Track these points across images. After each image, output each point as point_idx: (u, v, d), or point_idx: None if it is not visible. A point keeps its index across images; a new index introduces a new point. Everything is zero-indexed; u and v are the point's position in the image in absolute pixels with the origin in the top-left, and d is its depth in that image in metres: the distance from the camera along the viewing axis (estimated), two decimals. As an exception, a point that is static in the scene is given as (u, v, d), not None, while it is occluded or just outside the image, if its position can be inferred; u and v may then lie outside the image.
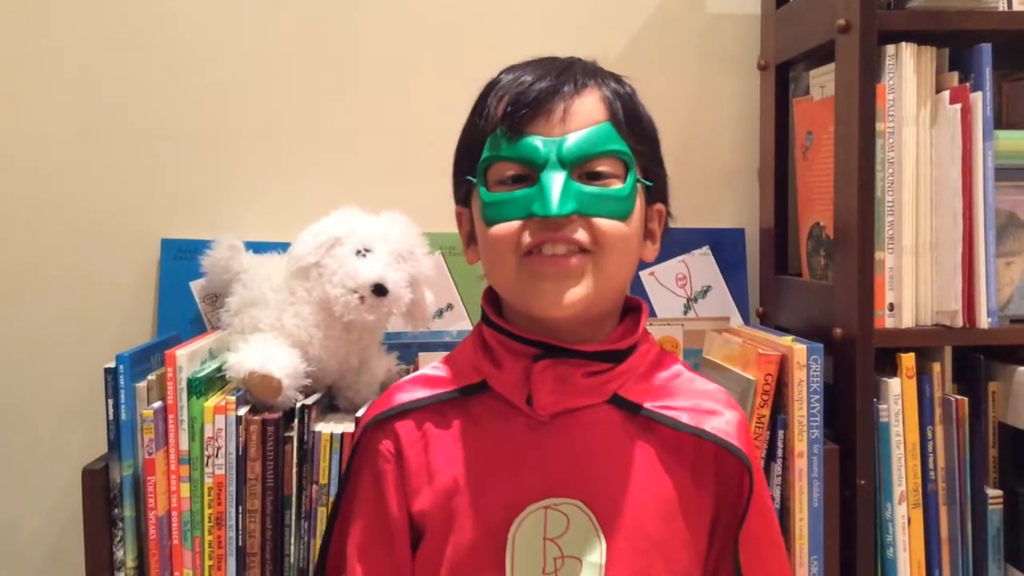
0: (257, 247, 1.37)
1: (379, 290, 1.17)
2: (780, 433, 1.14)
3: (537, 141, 0.85)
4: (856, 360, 1.16)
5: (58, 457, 1.44)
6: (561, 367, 0.88)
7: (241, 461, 1.13)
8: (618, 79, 0.93)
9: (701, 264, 1.49)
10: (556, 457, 0.88)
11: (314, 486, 1.14)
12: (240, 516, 1.14)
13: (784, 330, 1.28)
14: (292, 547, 1.14)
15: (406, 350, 1.36)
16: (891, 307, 1.20)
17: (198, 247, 1.38)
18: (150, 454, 1.12)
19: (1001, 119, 1.28)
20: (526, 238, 0.86)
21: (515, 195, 0.86)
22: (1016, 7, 1.22)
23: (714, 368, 1.25)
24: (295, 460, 1.14)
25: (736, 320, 1.46)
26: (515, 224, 0.86)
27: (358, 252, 1.20)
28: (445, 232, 1.31)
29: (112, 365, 1.14)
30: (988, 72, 1.17)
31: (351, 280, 1.17)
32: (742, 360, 1.20)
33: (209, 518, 1.14)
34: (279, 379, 1.13)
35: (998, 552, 1.20)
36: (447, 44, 1.47)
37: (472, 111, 0.93)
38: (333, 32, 1.47)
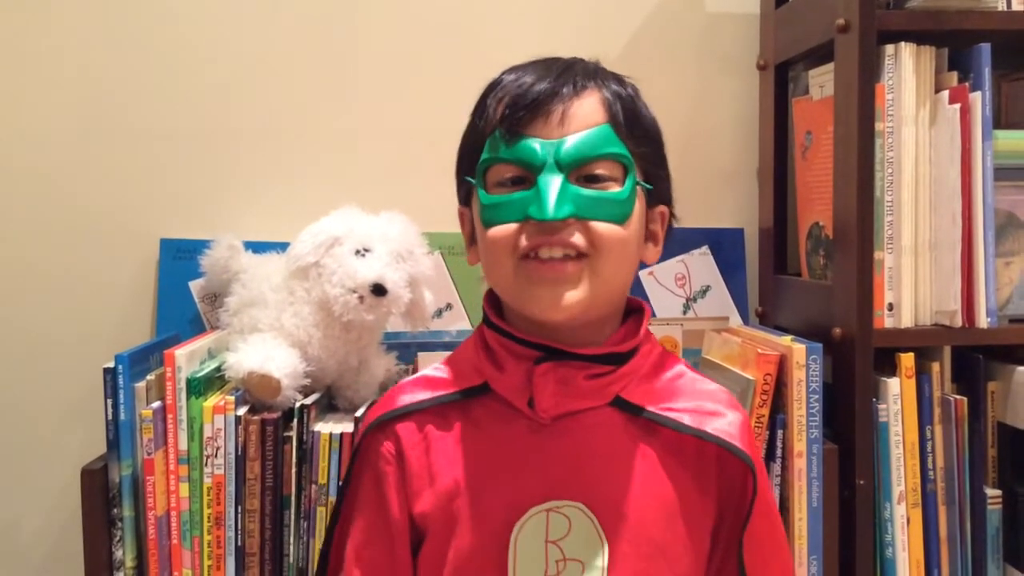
0: (256, 247, 1.37)
1: (378, 290, 1.17)
2: (779, 433, 1.14)
3: (535, 143, 0.85)
4: (855, 360, 1.16)
5: (57, 457, 1.43)
6: (563, 369, 0.88)
7: (240, 461, 1.14)
8: (620, 80, 0.92)
9: (700, 264, 1.48)
10: (558, 460, 0.88)
11: (313, 486, 1.14)
12: (239, 516, 1.14)
13: (783, 330, 1.28)
14: (291, 547, 1.14)
15: (405, 350, 1.36)
16: (890, 307, 1.20)
17: (197, 247, 1.38)
18: (149, 454, 1.12)
19: (1000, 119, 1.28)
20: (523, 241, 0.86)
21: (512, 198, 0.86)
22: (1015, 7, 1.22)
23: (713, 368, 1.25)
24: (294, 460, 1.14)
25: (735, 320, 1.46)
26: (512, 227, 0.86)
27: (357, 252, 1.20)
28: (444, 232, 1.31)
29: (111, 365, 1.14)
30: (987, 72, 1.17)
31: (350, 280, 1.17)
32: (741, 360, 1.20)
33: (208, 518, 1.14)
34: (278, 379, 1.13)
35: (997, 552, 1.20)
36: (447, 44, 1.47)
37: (473, 111, 0.92)
38: (332, 32, 1.47)
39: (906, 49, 1.19)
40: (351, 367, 1.26)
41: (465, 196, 0.94)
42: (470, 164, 0.91)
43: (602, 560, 0.86)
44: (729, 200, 1.52)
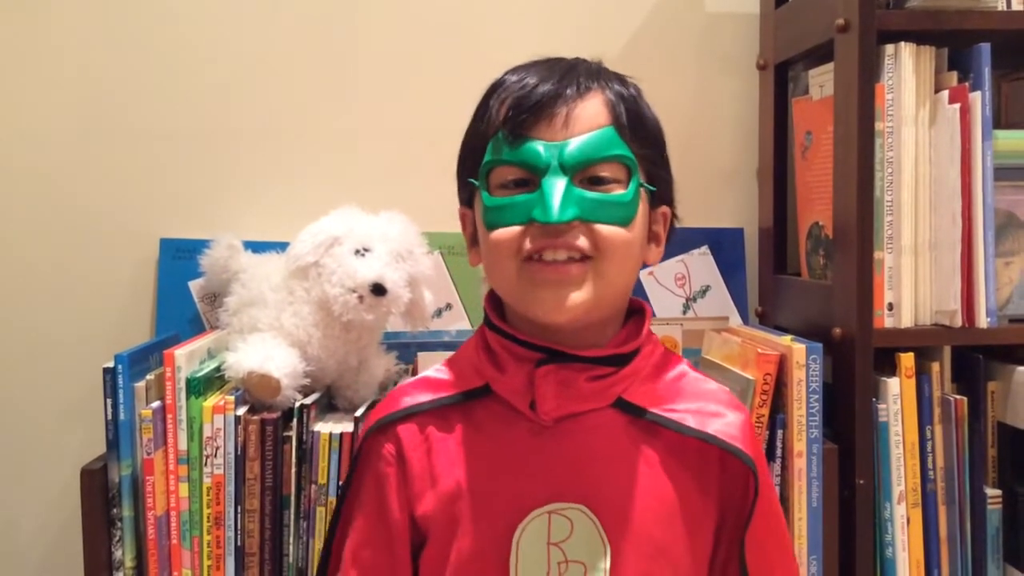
0: (256, 247, 1.37)
1: (378, 290, 1.17)
2: (779, 433, 1.14)
3: (539, 146, 0.85)
4: (855, 360, 1.16)
5: (57, 457, 1.43)
6: (564, 372, 0.88)
7: (240, 461, 1.13)
8: (623, 80, 0.92)
9: (700, 264, 1.48)
10: (560, 462, 0.88)
11: (313, 486, 1.13)
12: (239, 516, 1.14)
13: (783, 330, 1.28)
14: (291, 547, 1.14)
15: (405, 350, 1.36)
16: (890, 307, 1.20)
17: (197, 247, 1.38)
18: (149, 454, 1.12)
19: (1000, 119, 1.28)
20: (527, 244, 0.85)
21: (516, 200, 0.86)
22: (1015, 7, 1.22)
23: (713, 368, 1.25)
24: (294, 460, 1.14)
25: (735, 320, 1.46)
26: (516, 229, 0.86)
27: (357, 252, 1.20)
28: (444, 232, 1.31)
29: (111, 365, 1.14)
30: (987, 72, 1.17)
31: (350, 280, 1.17)
32: (741, 360, 1.20)
33: (208, 518, 1.14)
34: (278, 379, 1.13)
35: (997, 552, 1.20)
36: (447, 44, 1.47)
37: (475, 112, 0.92)
38: (332, 32, 1.47)
39: (906, 49, 1.19)
40: (351, 367, 1.26)
41: (467, 197, 0.94)
42: (472, 165, 0.90)
43: (604, 562, 0.86)
44: (729, 200, 1.52)
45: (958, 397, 1.19)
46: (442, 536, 0.89)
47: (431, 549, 0.90)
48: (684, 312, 1.47)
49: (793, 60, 1.42)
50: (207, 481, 1.13)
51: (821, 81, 1.31)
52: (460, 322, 1.45)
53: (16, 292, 1.45)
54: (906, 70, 1.19)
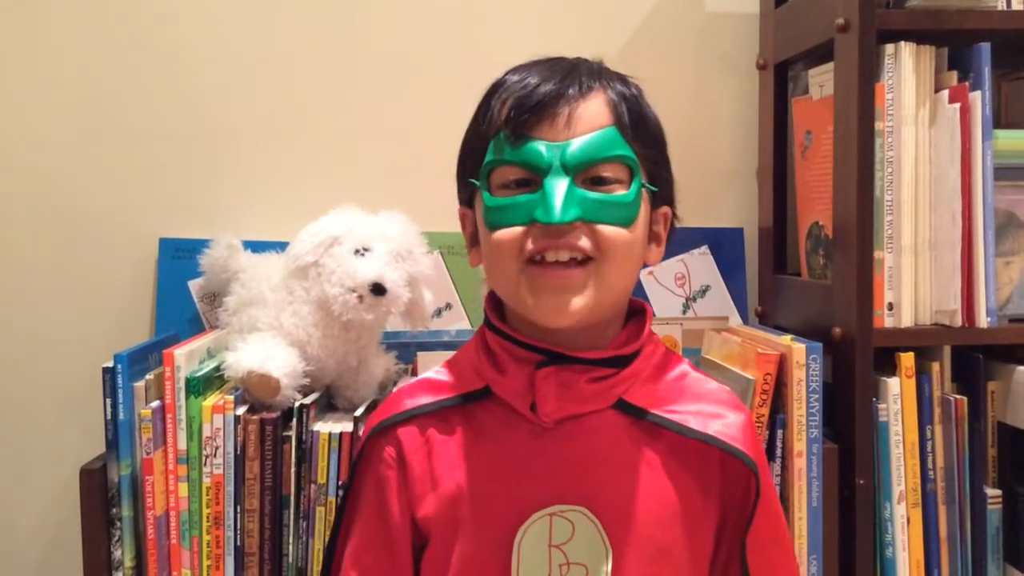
0: (255, 246, 1.36)
1: (378, 289, 1.17)
2: (779, 432, 1.14)
3: (541, 146, 0.84)
4: (855, 359, 1.16)
5: (56, 456, 1.43)
6: (565, 373, 0.87)
7: (239, 461, 1.13)
8: (624, 80, 0.91)
9: (700, 263, 1.48)
10: (561, 464, 0.88)
11: (312, 485, 1.13)
12: (238, 516, 1.14)
13: (783, 329, 1.28)
14: (290, 547, 1.14)
15: (405, 349, 1.36)
16: (890, 306, 1.20)
17: (196, 246, 1.38)
18: (148, 454, 1.12)
19: (1000, 118, 1.28)
20: (529, 244, 0.85)
21: (518, 200, 0.85)
22: (1015, 6, 1.22)
23: (713, 367, 1.25)
24: (293, 459, 1.14)
25: (735, 319, 1.46)
26: (518, 230, 0.85)
27: (356, 251, 1.19)
28: (444, 231, 1.31)
29: (110, 364, 1.14)
30: (987, 71, 1.17)
31: (350, 279, 1.17)
32: (741, 359, 1.20)
33: (207, 518, 1.13)
34: (277, 378, 1.13)
35: (997, 552, 1.20)
36: (447, 44, 1.47)
37: (476, 112, 0.92)
38: (332, 32, 1.47)
39: (906, 48, 1.19)
40: (350, 367, 1.26)
41: (467, 197, 0.94)
42: (473, 165, 0.90)
43: (606, 564, 0.86)
44: (729, 200, 1.52)
45: (958, 397, 1.19)
46: (443, 539, 0.89)
47: (432, 552, 0.90)
48: (684, 312, 1.47)
49: (793, 60, 1.42)
50: (206, 481, 1.13)
51: (821, 81, 1.31)
52: (460, 322, 1.45)
53: (15, 291, 1.45)
54: (906, 70, 1.19)
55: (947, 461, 1.19)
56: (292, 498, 1.14)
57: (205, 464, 1.13)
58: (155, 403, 1.13)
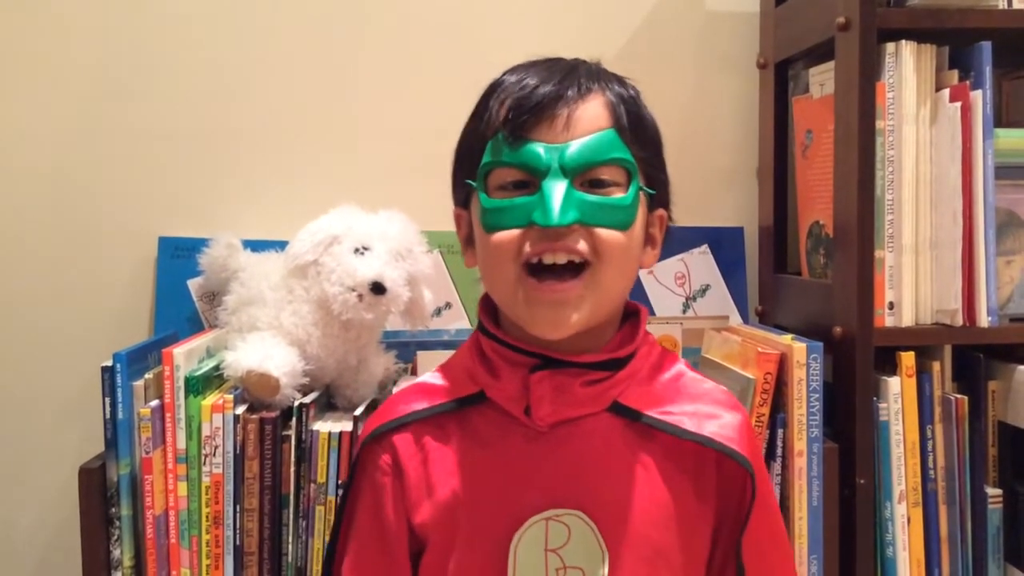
0: (255, 245, 1.36)
1: (377, 288, 1.17)
2: (779, 432, 1.13)
3: (539, 148, 0.84)
4: (856, 359, 1.15)
5: (55, 455, 1.43)
6: (559, 377, 0.87)
7: (239, 460, 1.13)
8: (622, 82, 0.91)
9: (700, 263, 1.48)
10: (556, 467, 0.87)
11: (312, 485, 1.13)
12: (238, 515, 1.14)
13: (783, 329, 1.28)
14: (290, 546, 1.14)
15: (404, 349, 1.36)
16: (891, 306, 1.20)
17: (196, 245, 1.38)
18: (147, 453, 1.12)
19: (1001, 117, 1.28)
20: (527, 247, 0.84)
21: (516, 203, 0.85)
22: (1016, 5, 1.22)
23: (713, 367, 1.24)
24: (293, 459, 1.13)
25: (735, 319, 1.46)
26: (515, 232, 0.85)
27: (356, 250, 1.19)
28: (444, 231, 1.30)
29: (109, 363, 1.14)
30: (988, 70, 1.17)
31: (349, 278, 1.17)
32: (741, 359, 1.20)
33: (207, 517, 1.13)
34: (277, 378, 1.13)
35: (998, 551, 1.20)
36: (446, 44, 1.47)
37: (473, 113, 0.91)
38: (332, 31, 1.47)
39: (907, 47, 1.19)
40: (350, 366, 1.26)
41: (463, 198, 0.93)
42: (470, 166, 0.89)
43: (602, 568, 0.85)
44: (729, 199, 1.52)
45: (959, 396, 1.19)
46: (440, 544, 0.89)
47: (429, 557, 0.90)
48: (684, 311, 1.47)
49: (793, 59, 1.42)
50: (206, 480, 1.13)
51: (821, 80, 1.31)
52: (459, 321, 1.45)
53: (15, 290, 1.45)
54: (907, 68, 1.19)
55: (948, 461, 1.19)
56: (291, 497, 1.14)
57: (204, 463, 1.13)
58: (154, 402, 1.13)
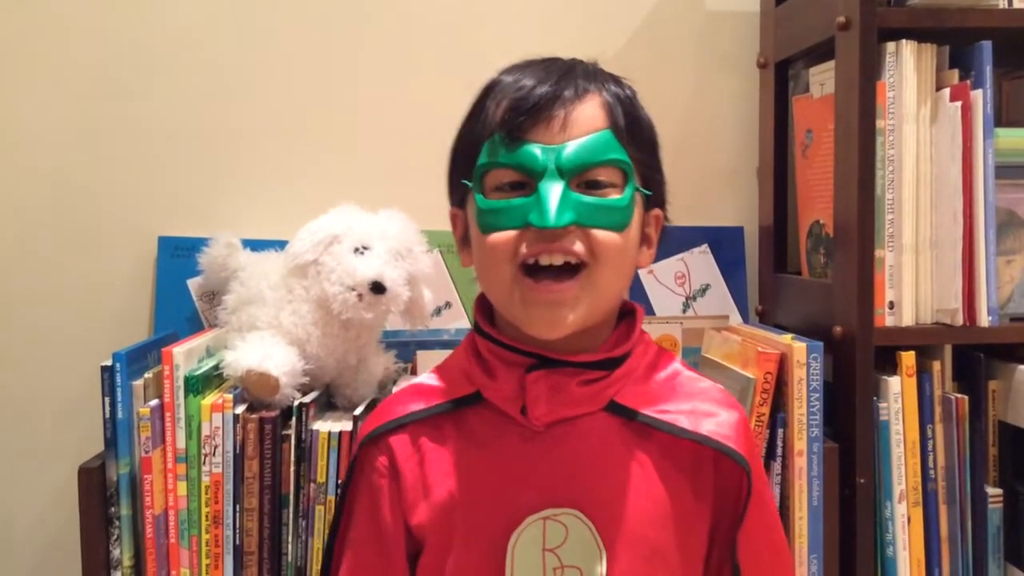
0: (254, 245, 1.36)
1: (377, 288, 1.17)
2: (780, 432, 1.13)
3: (536, 149, 0.84)
4: (856, 358, 1.15)
5: (54, 455, 1.43)
6: (555, 376, 0.87)
7: (238, 459, 1.13)
8: (618, 82, 0.91)
9: (700, 262, 1.48)
10: (553, 467, 0.87)
11: (312, 484, 1.13)
12: (237, 515, 1.14)
13: (783, 328, 1.28)
14: (289, 546, 1.14)
15: (404, 348, 1.36)
16: (891, 305, 1.19)
17: (195, 245, 1.38)
18: (147, 452, 1.12)
19: (1001, 117, 1.28)
20: (523, 248, 0.84)
21: (512, 204, 0.85)
22: (1016, 4, 1.22)
23: (713, 367, 1.24)
24: (293, 458, 1.13)
25: (735, 318, 1.46)
26: (512, 233, 0.85)
27: (356, 250, 1.19)
28: (443, 230, 1.29)
29: (109, 363, 1.14)
30: (988, 70, 1.17)
31: (349, 278, 1.17)
32: (741, 358, 1.19)
33: (206, 516, 1.13)
34: (276, 377, 1.13)
35: (998, 551, 1.20)
36: (446, 44, 1.47)
37: (469, 113, 0.91)
38: (332, 31, 1.47)
39: (907, 47, 1.19)
40: (350, 365, 1.25)
41: (459, 199, 0.93)
42: (466, 167, 0.89)
43: (600, 566, 0.85)
44: (729, 198, 1.52)
45: (959, 396, 1.19)
46: (437, 545, 0.89)
47: (427, 558, 0.90)
48: (684, 311, 1.47)
49: (793, 58, 1.42)
50: (205, 480, 1.13)
51: (822, 79, 1.31)
52: (459, 320, 1.45)
53: (14, 290, 1.45)
54: (907, 68, 1.19)
55: (948, 460, 1.18)
56: (291, 497, 1.14)
57: (204, 463, 1.13)
58: (154, 402, 1.13)
